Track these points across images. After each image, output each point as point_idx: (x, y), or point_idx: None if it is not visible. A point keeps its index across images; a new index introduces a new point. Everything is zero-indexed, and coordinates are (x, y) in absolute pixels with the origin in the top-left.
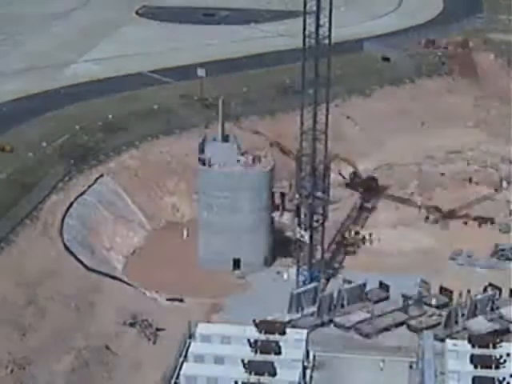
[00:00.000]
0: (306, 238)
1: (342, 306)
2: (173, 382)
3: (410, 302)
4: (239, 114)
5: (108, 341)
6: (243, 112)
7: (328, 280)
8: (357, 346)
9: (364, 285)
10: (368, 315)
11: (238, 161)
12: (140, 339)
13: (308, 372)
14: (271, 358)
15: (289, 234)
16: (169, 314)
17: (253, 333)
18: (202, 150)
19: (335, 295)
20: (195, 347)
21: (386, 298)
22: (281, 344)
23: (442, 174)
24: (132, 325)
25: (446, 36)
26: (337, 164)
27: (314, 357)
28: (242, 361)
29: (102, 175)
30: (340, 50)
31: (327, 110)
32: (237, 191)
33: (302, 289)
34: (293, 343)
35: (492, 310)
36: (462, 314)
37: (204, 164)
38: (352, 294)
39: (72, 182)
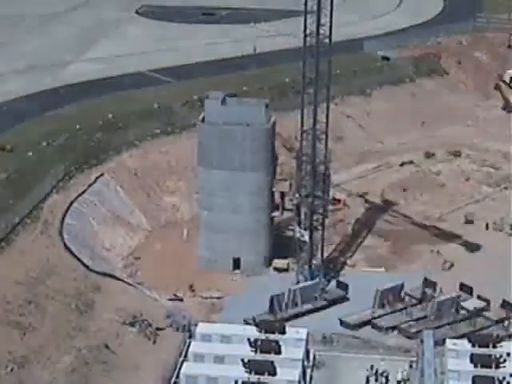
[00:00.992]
0: (306, 237)
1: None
2: (172, 381)
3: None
4: None
5: (108, 341)
6: None
7: (329, 281)
8: (357, 346)
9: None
10: None
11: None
12: (140, 339)
13: (308, 372)
14: (271, 357)
15: (289, 233)
16: None
17: (253, 332)
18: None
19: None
20: (195, 347)
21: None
22: (281, 343)
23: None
24: (132, 324)
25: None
26: None
27: (314, 356)
28: (242, 360)
29: (102, 174)
30: (340, 50)
31: (327, 109)
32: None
33: (299, 286)
34: (293, 342)
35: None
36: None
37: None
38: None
39: (72, 181)
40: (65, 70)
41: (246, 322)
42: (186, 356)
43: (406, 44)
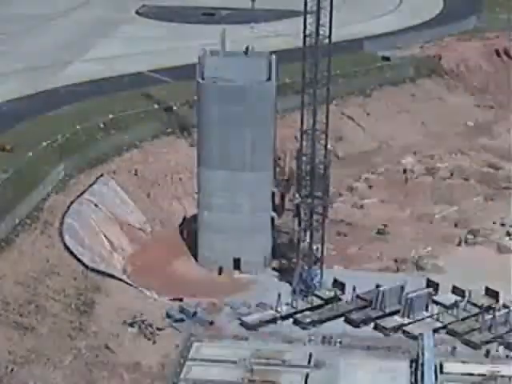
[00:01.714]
0: (306, 238)
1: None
2: (171, 382)
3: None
4: None
5: (108, 341)
6: None
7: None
8: (357, 346)
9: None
10: None
11: None
12: (140, 339)
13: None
14: None
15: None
16: None
17: None
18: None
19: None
20: None
21: None
22: None
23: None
24: (132, 325)
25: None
26: None
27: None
28: None
29: (102, 175)
30: (340, 50)
31: (327, 109)
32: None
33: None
34: None
35: None
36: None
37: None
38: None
39: (72, 181)
40: (65, 70)
41: (242, 323)
42: (186, 357)
43: (406, 44)
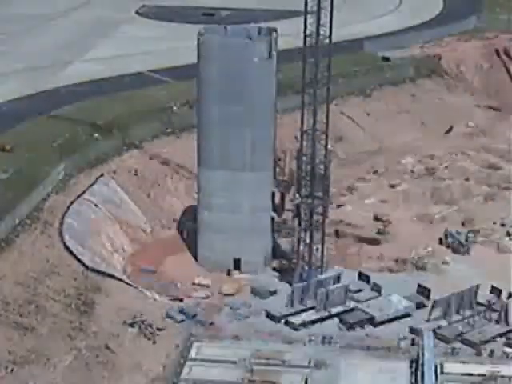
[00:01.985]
0: (307, 237)
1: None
2: (171, 382)
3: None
4: None
5: (108, 341)
6: None
7: None
8: (357, 346)
9: None
10: None
11: None
12: (140, 339)
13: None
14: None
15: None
16: None
17: None
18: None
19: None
20: None
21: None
22: None
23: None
24: (132, 325)
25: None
26: None
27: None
28: None
29: (102, 175)
30: (340, 50)
31: (327, 109)
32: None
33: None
34: None
35: None
36: None
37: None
38: None
39: (72, 181)
40: (65, 70)
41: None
42: (186, 357)
43: (406, 44)
